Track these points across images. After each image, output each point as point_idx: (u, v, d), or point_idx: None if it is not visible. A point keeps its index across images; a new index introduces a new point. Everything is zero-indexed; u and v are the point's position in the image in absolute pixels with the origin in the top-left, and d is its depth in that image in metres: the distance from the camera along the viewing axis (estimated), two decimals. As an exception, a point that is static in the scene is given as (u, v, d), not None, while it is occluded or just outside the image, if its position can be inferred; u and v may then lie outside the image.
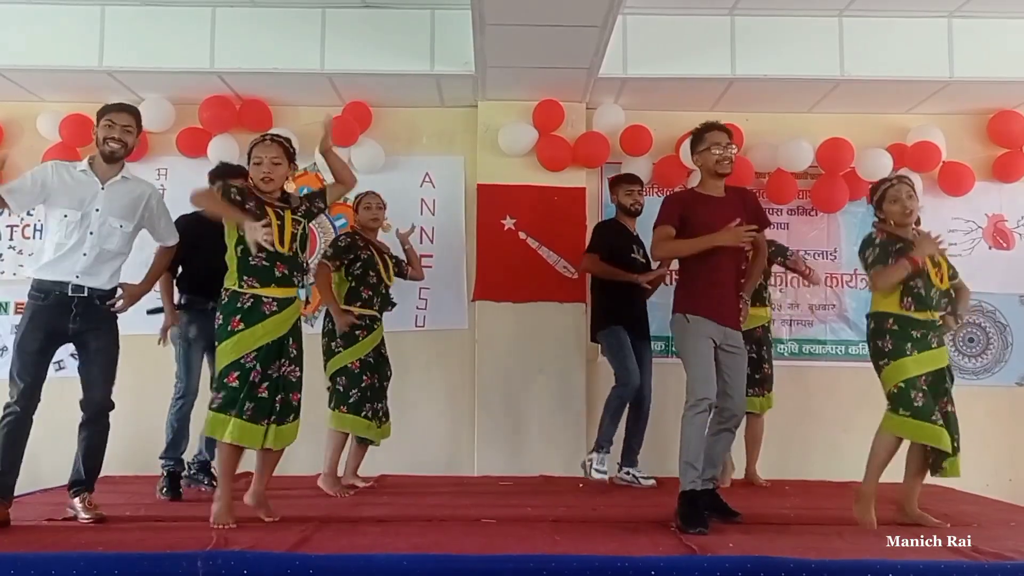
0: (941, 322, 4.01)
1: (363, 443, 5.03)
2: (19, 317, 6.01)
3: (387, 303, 5.02)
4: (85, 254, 3.77)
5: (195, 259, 4.56)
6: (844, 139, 6.02)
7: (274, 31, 5.63)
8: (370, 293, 4.88)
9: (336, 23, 5.64)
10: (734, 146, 4.07)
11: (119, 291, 3.91)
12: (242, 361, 3.72)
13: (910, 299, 3.92)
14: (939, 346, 3.97)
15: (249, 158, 3.90)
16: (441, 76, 5.76)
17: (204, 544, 3.23)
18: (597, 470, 5.16)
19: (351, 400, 4.78)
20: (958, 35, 5.66)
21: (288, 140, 3.97)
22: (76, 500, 3.85)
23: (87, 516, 3.79)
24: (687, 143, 5.85)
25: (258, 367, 3.73)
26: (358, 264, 4.84)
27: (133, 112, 3.95)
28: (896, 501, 4.06)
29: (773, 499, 4.86)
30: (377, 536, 3.55)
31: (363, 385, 4.82)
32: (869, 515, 3.89)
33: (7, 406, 3.71)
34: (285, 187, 3.98)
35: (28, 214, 5.88)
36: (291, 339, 3.86)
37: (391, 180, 6.17)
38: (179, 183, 5.99)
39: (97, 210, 3.82)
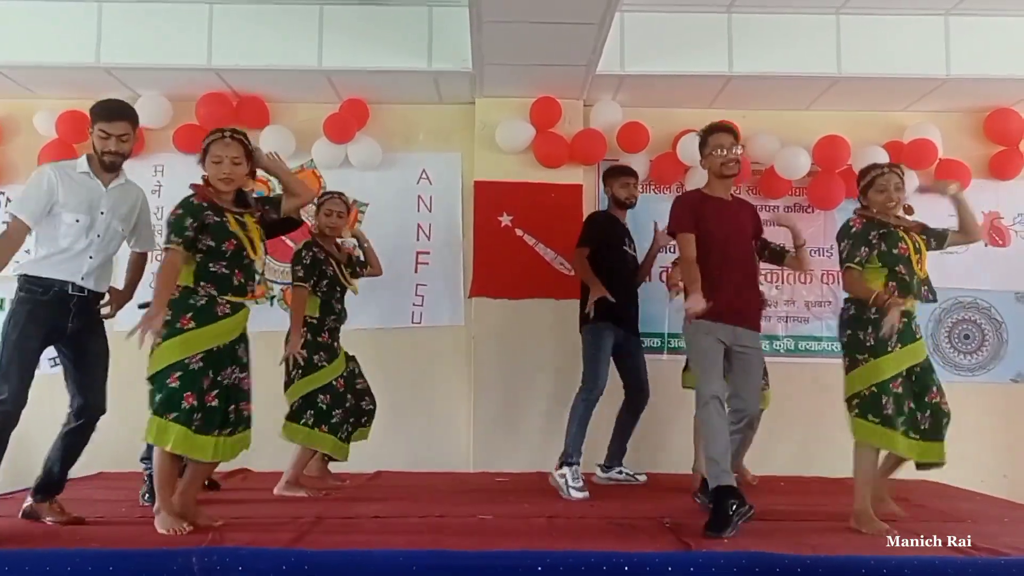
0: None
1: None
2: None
3: (344, 317, 4.89)
4: (91, 257, 3.67)
5: None
6: (841, 137, 6.02)
7: (271, 28, 5.61)
8: (340, 307, 4.82)
9: (333, 20, 5.63)
10: (740, 146, 4.06)
11: (106, 295, 3.82)
12: (186, 362, 3.50)
13: (895, 284, 3.84)
14: (919, 338, 3.88)
15: (206, 153, 3.69)
16: (438, 73, 5.75)
17: (200, 540, 3.24)
18: (574, 487, 4.63)
19: (333, 420, 4.69)
20: (955, 33, 5.65)
21: (246, 137, 3.77)
22: (45, 505, 3.72)
23: (58, 520, 3.69)
24: (684, 140, 5.89)
25: (209, 373, 3.53)
26: (324, 282, 4.74)
27: (128, 116, 3.71)
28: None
29: (769, 496, 4.85)
30: (373, 532, 3.57)
31: (347, 406, 4.79)
32: (875, 524, 3.67)
33: None
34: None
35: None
36: (243, 345, 3.70)
37: (388, 177, 6.20)
38: (176, 180, 5.98)
39: (102, 213, 3.70)
